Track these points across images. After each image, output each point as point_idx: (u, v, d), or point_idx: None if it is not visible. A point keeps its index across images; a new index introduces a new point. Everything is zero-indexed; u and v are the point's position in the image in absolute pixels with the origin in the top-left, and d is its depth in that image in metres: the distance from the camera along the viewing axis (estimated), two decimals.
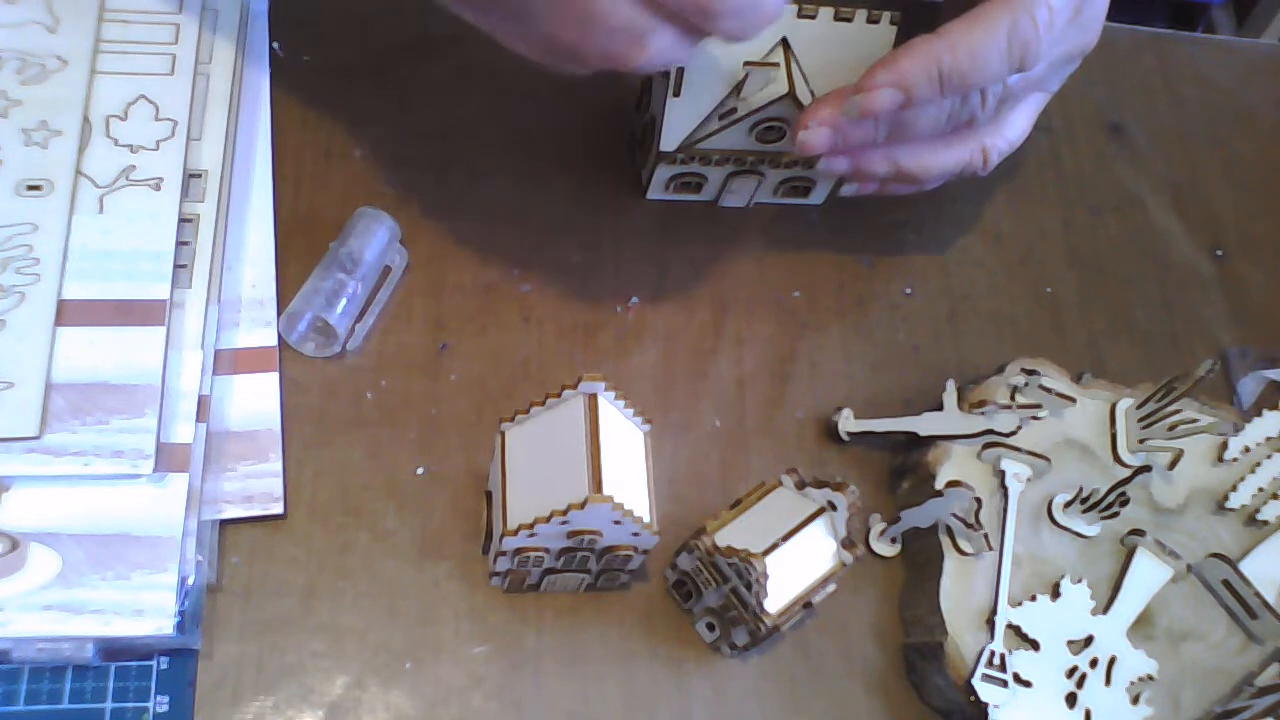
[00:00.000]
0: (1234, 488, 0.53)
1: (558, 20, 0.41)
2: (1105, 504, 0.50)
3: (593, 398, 0.43)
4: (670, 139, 0.53)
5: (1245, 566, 0.51)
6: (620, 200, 0.59)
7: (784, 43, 0.51)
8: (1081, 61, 0.53)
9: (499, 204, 0.57)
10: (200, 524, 0.46)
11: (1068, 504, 0.51)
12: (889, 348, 0.58)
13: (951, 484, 0.50)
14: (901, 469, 0.53)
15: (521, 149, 0.59)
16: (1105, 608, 0.50)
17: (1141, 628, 0.50)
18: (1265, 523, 0.53)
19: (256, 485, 0.48)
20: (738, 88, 0.51)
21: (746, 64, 0.50)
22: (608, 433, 0.43)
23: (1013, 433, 0.51)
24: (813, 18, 0.51)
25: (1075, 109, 0.67)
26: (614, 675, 0.48)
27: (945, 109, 0.49)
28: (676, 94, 0.51)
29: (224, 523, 0.48)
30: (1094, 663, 0.48)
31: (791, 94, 0.51)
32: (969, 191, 0.63)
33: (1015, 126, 0.53)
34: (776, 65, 0.51)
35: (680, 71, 0.50)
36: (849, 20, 0.51)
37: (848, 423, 0.54)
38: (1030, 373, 0.53)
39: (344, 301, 0.51)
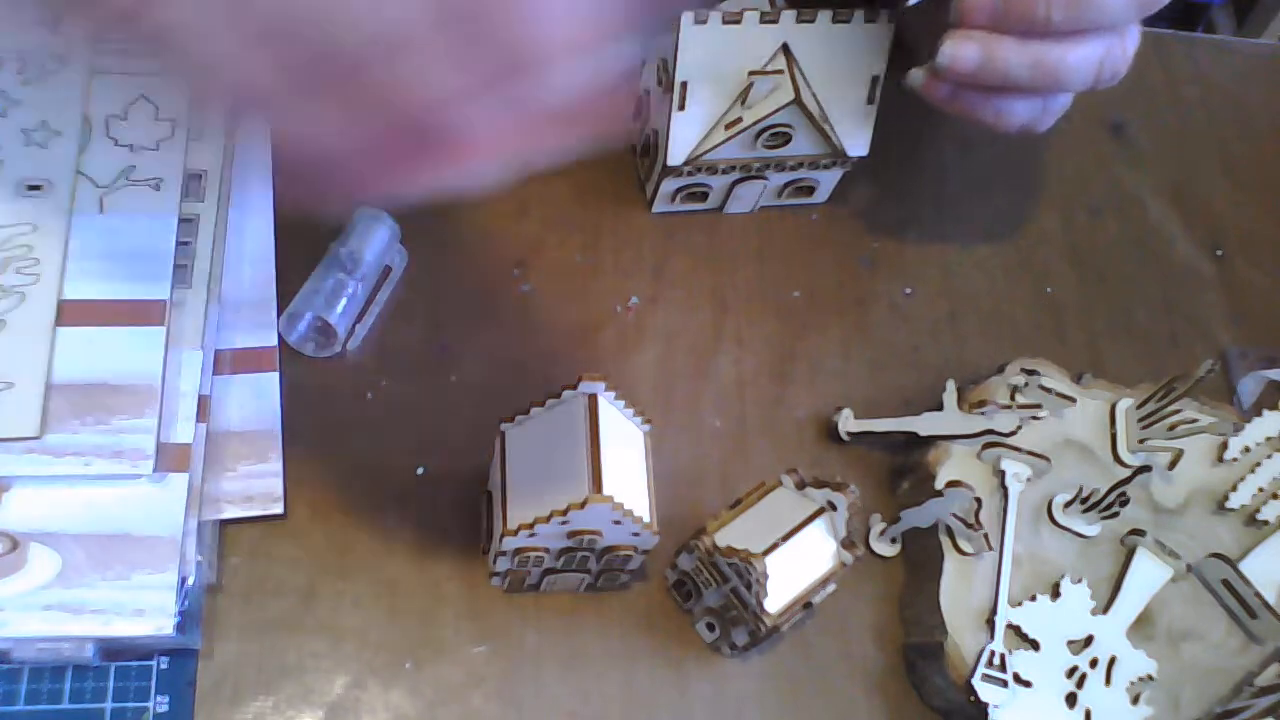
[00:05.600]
0: (1234, 488, 0.53)
1: None
2: (1105, 504, 0.50)
3: (593, 398, 0.43)
4: (677, 153, 0.53)
5: (1245, 566, 0.51)
6: (620, 200, 0.59)
7: (785, 48, 0.51)
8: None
9: (499, 204, 0.57)
10: (200, 524, 0.46)
11: (1068, 504, 0.51)
12: (889, 348, 0.58)
13: (951, 484, 0.50)
14: (901, 469, 0.53)
15: None
16: (1105, 608, 0.50)
17: (1141, 628, 0.50)
18: (1265, 523, 0.53)
19: (256, 485, 0.48)
20: (742, 97, 0.51)
21: (751, 73, 0.50)
22: (608, 433, 0.43)
23: (1013, 433, 0.51)
24: (811, 22, 0.51)
25: (1075, 109, 0.66)
26: (614, 675, 0.48)
27: None
28: (681, 108, 0.51)
29: (224, 523, 0.48)
30: (1094, 663, 0.48)
31: (797, 100, 0.51)
32: (969, 191, 0.63)
33: (1132, 39, 0.49)
34: (780, 72, 0.51)
35: (685, 85, 0.50)
36: (847, 21, 0.51)
37: (848, 423, 0.54)
38: (1030, 373, 0.53)
39: (344, 301, 0.51)
